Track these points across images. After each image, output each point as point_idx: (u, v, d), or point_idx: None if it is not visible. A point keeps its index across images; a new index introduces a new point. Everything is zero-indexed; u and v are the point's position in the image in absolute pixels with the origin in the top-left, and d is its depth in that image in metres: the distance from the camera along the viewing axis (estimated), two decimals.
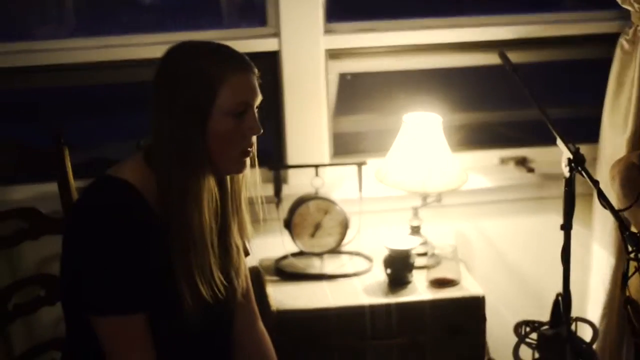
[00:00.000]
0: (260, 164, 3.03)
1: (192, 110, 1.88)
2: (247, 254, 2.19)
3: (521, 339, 1.66)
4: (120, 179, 1.93)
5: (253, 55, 2.96)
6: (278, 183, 2.91)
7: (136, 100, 2.83)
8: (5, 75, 2.98)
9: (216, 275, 1.99)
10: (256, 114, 1.97)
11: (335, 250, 2.94)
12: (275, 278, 2.90)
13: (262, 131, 1.98)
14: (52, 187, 2.69)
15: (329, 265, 2.93)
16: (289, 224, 2.89)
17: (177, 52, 1.94)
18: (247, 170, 2.03)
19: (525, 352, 1.66)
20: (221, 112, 1.90)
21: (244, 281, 2.15)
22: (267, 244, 3.02)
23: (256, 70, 1.97)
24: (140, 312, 1.91)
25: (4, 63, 2.93)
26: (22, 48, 2.95)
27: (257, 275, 2.97)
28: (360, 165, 2.91)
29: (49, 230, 2.54)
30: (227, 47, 1.96)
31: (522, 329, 1.71)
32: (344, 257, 3.00)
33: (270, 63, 3.04)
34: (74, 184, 2.63)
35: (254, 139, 1.99)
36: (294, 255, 2.96)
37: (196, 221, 1.92)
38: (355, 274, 2.89)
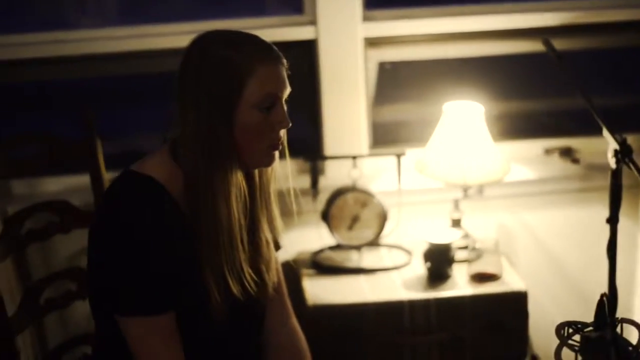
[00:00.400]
0: (297, 155, 3.01)
1: (218, 103, 1.82)
2: (278, 247, 2.13)
3: (563, 341, 1.58)
4: (145, 175, 1.87)
5: (289, 44, 2.98)
6: (315, 174, 2.85)
7: (171, 90, 2.79)
8: (39, 66, 2.95)
9: (246, 271, 1.93)
10: (285, 107, 1.90)
11: (374, 243, 2.88)
12: (311, 272, 2.83)
13: (290, 124, 1.91)
14: (84, 179, 2.65)
15: (367, 258, 2.86)
16: (326, 217, 2.82)
17: (203, 41, 1.87)
18: (277, 163, 1.96)
19: (568, 355, 1.58)
20: (248, 105, 1.83)
21: (275, 276, 2.08)
22: (304, 237, 2.96)
23: (285, 62, 1.90)
24: (168, 311, 1.86)
25: (37, 53, 2.89)
26: (56, 38, 2.91)
27: (292, 269, 2.91)
28: (399, 156, 2.84)
29: (81, 223, 2.49)
30: (255, 37, 1.89)
31: (565, 330, 1.63)
32: (382, 250, 2.93)
33: (307, 52, 2.98)
34: (106, 175, 2.59)
35: (283, 131, 1.92)
36: (331, 248, 2.90)
37: (224, 216, 1.85)
38: (393, 268, 2.82)
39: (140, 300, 1.83)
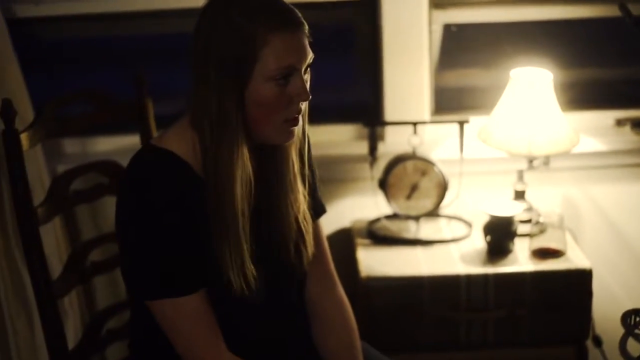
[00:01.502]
0: (355, 120, 2.93)
1: (228, 73, 1.69)
2: (319, 214, 2.01)
3: (629, 330, 1.46)
4: (165, 149, 1.76)
5: (349, 2, 2.86)
6: (373, 140, 2.74)
7: None
8: (88, 22, 2.88)
9: (247, 265, 1.79)
10: (306, 77, 1.76)
11: (432, 214, 2.77)
12: (367, 241, 2.74)
13: (310, 97, 1.76)
14: (134, 140, 2.58)
15: (425, 229, 2.76)
16: (383, 185, 2.71)
17: (215, 6, 1.73)
18: (297, 138, 1.83)
19: (634, 346, 1.47)
20: (262, 77, 1.70)
21: (312, 247, 1.95)
22: (360, 205, 2.88)
23: (306, 27, 1.74)
24: (197, 291, 1.77)
25: (89, 9, 2.82)
26: None
27: (348, 238, 2.83)
28: (462, 123, 2.71)
29: None
30: (276, 1, 1.74)
31: (632, 319, 1.51)
32: (441, 221, 2.82)
33: (368, 12, 2.86)
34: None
35: (304, 105, 1.79)
36: (388, 217, 2.80)
37: (228, 197, 1.74)
38: (452, 240, 2.71)
39: (166, 282, 1.75)
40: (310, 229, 1.95)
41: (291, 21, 1.72)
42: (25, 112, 2.60)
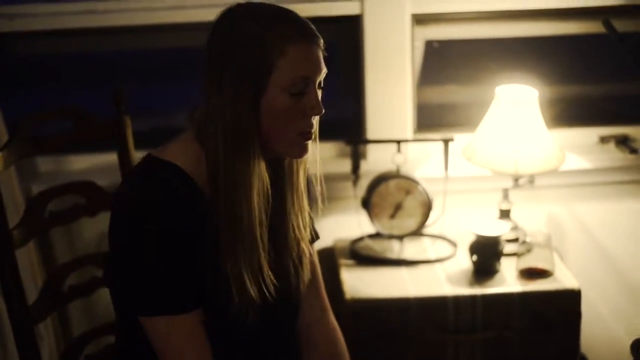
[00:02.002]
0: (337, 137, 2.87)
1: (244, 84, 1.65)
2: (314, 239, 1.97)
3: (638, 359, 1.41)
4: (167, 162, 1.71)
5: (332, 19, 2.81)
6: (356, 159, 2.68)
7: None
8: (65, 37, 2.81)
9: (266, 273, 1.76)
10: (318, 92, 1.73)
11: (416, 233, 2.71)
12: (350, 262, 2.68)
13: (323, 111, 1.73)
14: (110, 158, 2.51)
15: (409, 249, 2.70)
16: (367, 204, 2.66)
17: (231, 16, 1.70)
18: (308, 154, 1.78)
19: None
20: (277, 88, 1.66)
21: (309, 272, 1.92)
22: (342, 224, 2.82)
23: (322, 41, 1.72)
24: (194, 309, 1.71)
25: (64, 24, 2.74)
26: (84, 9, 2.75)
27: (330, 258, 2.77)
28: (446, 141, 2.66)
29: (108, 205, 2.34)
30: (290, 12, 1.71)
31: None
32: (425, 240, 2.77)
33: (351, 28, 2.81)
34: (135, 155, 2.45)
35: (316, 119, 1.74)
36: (371, 236, 2.74)
37: (244, 211, 1.69)
38: (437, 260, 2.66)
39: (163, 299, 1.68)
40: (308, 252, 1.91)
41: (308, 33, 1.69)
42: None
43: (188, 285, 1.69)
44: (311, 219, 1.94)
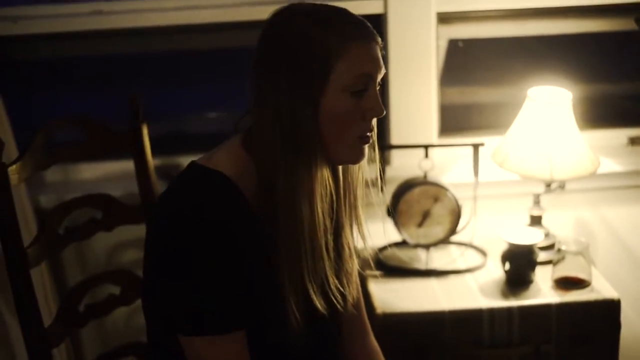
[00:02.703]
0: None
1: (303, 86, 1.55)
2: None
3: None
4: (216, 171, 1.60)
5: None
6: (382, 165, 2.55)
7: (219, 69, 2.50)
8: (75, 40, 2.67)
9: (332, 282, 1.67)
10: (378, 92, 1.62)
11: (444, 242, 2.59)
12: (376, 273, 2.55)
13: (384, 112, 1.63)
14: (122, 166, 2.38)
15: (437, 258, 2.58)
16: (392, 212, 2.53)
17: (285, 15, 1.60)
18: (365, 160, 1.69)
19: None
20: (337, 88, 1.56)
21: (355, 289, 1.82)
22: (368, 230, 2.68)
23: (379, 40, 1.63)
24: (239, 329, 1.59)
25: (69, 26, 2.61)
26: (89, 10, 2.62)
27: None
28: (477, 146, 2.54)
29: (125, 219, 2.23)
30: (345, 11, 1.62)
31: None
32: (452, 249, 2.65)
33: (374, 27, 2.66)
34: (152, 163, 2.32)
35: (374, 122, 1.65)
36: (396, 245, 2.61)
37: (307, 219, 1.59)
38: (467, 270, 2.54)
39: (207, 318, 1.57)
40: (355, 267, 1.81)
41: (367, 31, 1.60)
42: (7, 141, 2.38)
43: (233, 304, 1.59)
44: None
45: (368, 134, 1.64)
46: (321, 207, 1.61)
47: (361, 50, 1.58)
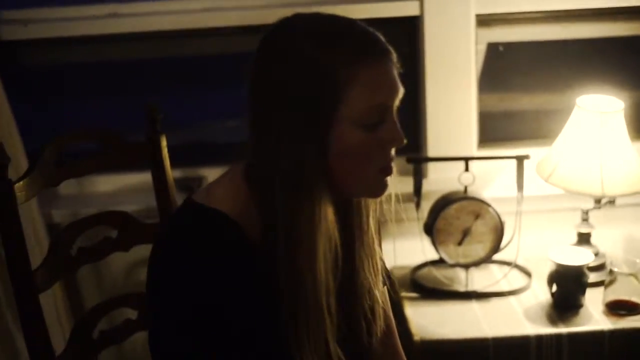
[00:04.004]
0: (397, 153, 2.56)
1: (305, 122, 1.34)
2: (385, 283, 1.66)
3: None
4: (213, 209, 1.40)
5: (389, 20, 2.50)
6: (418, 179, 2.37)
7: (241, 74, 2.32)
8: (88, 45, 2.52)
9: (333, 352, 1.45)
10: (396, 118, 1.41)
11: (485, 261, 2.41)
12: (413, 294, 2.37)
13: (405, 142, 1.42)
14: (139, 178, 2.23)
15: (477, 279, 2.40)
16: (430, 229, 2.35)
17: (284, 34, 1.38)
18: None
19: None
20: (349, 122, 1.35)
21: (382, 322, 1.63)
22: (403, 248, 2.50)
23: (394, 56, 1.40)
24: None
25: (88, 30, 2.46)
26: (109, 12, 2.47)
27: (391, 289, 2.46)
28: (521, 159, 2.35)
29: (143, 238, 2.05)
30: (354, 25, 1.38)
31: None
32: (494, 269, 2.46)
33: (409, 31, 2.52)
34: (171, 176, 2.15)
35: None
36: (433, 263, 2.43)
37: (308, 276, 1.39)
38: (511, 293, 2.35)
39: None
40: (381, 299, 1.62)
41: (377, 49, 1.37)
42: (16, 153, 2.23)
43: (237, 353, 1.42)
44: (382, 260, 1.65)
45: (389, 164, 1.43)
46: (324, 265, 1.40)
47: (374, 75, 1.35)
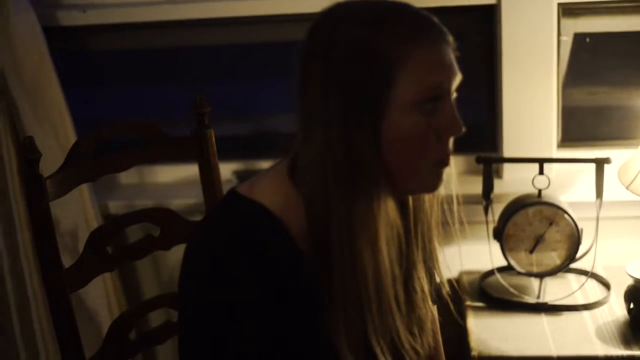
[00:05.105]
0: (466, 150, 2.42)
1: (357, 108, 1.26)
2: (434, 301, 1.57)
3: None
4: (255, 202, 1.34)
5: (463, 9, 2.35)
6: (488, 180, 2.20)
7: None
8: (143, 31, 2.45)
9: (404, 339, 1.38)
10: (454, 105, 1.32)
11: (559, 271, 2.23)
12: (479, 303, 2.22)
13: (464, 129, 1.32)
14: (192, 170, 2.13)
15: (549, 290, 2.22)
16: (499, 235, 2.19)
17: (332, 18, 1.30)
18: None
19: None
20: (402, 105, 1.26)
21: (430, 340, 1.53)
22: (470, 253, 2.35)
23: (451, 39, 1.31)
24: None
25: (147, 16, 2.39)
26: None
27: (454, 293, 2.31)
28: (600, 162, 2.16)
29: (186, 237, 1.96)
30: (407, 7, 1.30)
31: None
32: (568, 280, 2.28)
33: (485, 20, 2.35)
34: (220, 172, 2.06)
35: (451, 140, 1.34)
36: (503, 270, 2.27)
37: (371, 268, 1.30)
38: (585, 307, 2.17)
39: None
40: (431, 314, 1.53)
41: (434, 30, 1.29)
42: (69, 143, 2.17)
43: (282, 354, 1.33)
44: (432, 275, 1.52)
45: (446, 156, 1.33)
46: (387, 252, 1.32)
47: (428, 55, 1.27)
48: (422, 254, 1.47)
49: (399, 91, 1.26)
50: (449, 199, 1.46)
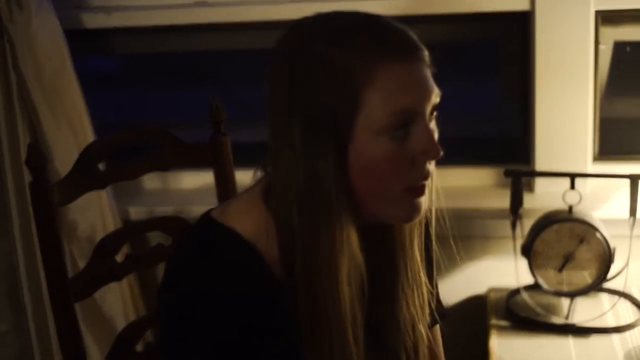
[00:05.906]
0: (496, 161, 2.34)
1: (321, 131, 1.17)
2: (435, 321, 1.49)
3: None
4: (228, 228, 1.27)
5: (496, 16, 2.26)
6: (517, 195, 2.11)
7: None
8: (168, 34, 2.41)
9: None
10: (432, 126, 1.22)
11: (590, 290, 2.13)
12: (503, 322, 2.14)
13: (441, 154, 1.22)
14: (207, 177, 2.09)
15: (578, 310, 2.13)
16: (527, 251, 2.11)
17: (293, 36, 1.22)
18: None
19: None
20: (370, 129, 1.17)
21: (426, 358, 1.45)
22: (498, 269, 2.28)
23: (426, 54, 1.21)
24: None
25: (175, 19, 2.34)
26: (182, 2, 2.34)
27: (481, 309, 2.24)
28: (635, 178, 2.06)
29: None
30: (377, 19, 1.21)
31: None
32: (599, 300, 2.19)
33: (518, 28, 2.27)
34: (235, 179, 2.01)
35: (431, 164, 1.24)
36: (531, 287, 2.18)
37: (330, 306, 1.23)
38: (615, 330, 2.07)
39: None
40: (427, 338, 1.44)
41: (403, 45, 1.19)
42: (86, 143, 2.14)
43: None
44: (432, 293, 1.45)
45: (421, 182, 1.24)
46: (348, 291, 1.24)
47: (397, 74, 1.17)
48: (408, 280, 1.37)
49: (367, 114, 1.17)
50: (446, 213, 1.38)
